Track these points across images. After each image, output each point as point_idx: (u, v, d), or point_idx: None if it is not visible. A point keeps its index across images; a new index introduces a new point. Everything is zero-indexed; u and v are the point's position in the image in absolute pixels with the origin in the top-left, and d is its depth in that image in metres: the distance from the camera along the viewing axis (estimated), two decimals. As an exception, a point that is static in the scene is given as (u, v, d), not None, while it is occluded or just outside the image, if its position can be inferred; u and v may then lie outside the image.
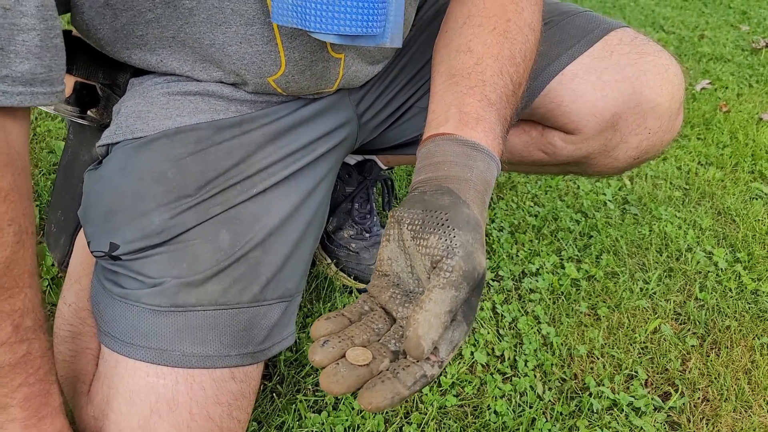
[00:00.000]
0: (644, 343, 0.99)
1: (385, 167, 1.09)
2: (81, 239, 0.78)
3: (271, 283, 0.68)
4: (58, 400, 0.58)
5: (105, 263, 0.66)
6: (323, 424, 0.77)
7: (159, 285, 0.63)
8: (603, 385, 0.90)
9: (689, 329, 1.03)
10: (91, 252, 0.67)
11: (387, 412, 0.80)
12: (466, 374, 0.88)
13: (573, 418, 0.85)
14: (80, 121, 0.76)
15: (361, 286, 1.00)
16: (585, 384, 0.90)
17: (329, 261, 1.03)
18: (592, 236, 1.22)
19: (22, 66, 0.48)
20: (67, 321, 0.71)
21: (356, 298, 0.98)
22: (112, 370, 0.63)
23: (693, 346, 0.99)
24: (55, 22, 0.51)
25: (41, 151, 1.22)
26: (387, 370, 0.43)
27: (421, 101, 0.84)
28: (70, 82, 0.74)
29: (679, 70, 0.78)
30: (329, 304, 0.96)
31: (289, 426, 0.75)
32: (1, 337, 0.52)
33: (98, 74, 0.73)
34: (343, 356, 0.44)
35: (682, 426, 0.86)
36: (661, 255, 1.19)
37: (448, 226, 0.46)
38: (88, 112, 0.76)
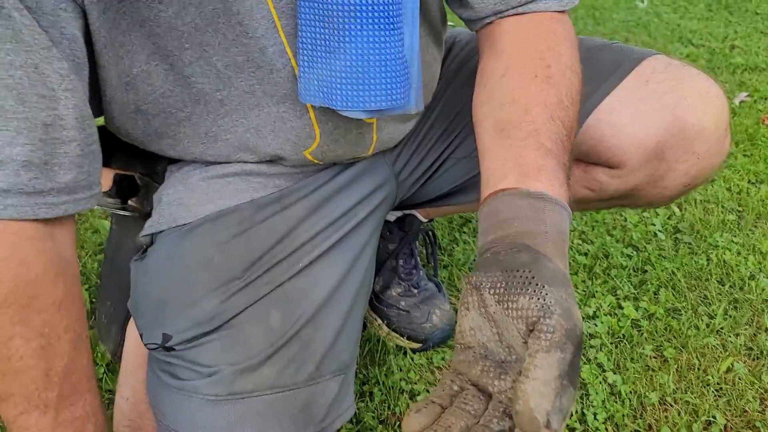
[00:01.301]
0: (718, 384, 0.94)
1: (425, 220, 1.08)
2: (132, 330, 0.78)
3: (326, 358, 0.67)
4: None
5: (159, 355, 0.66)
6: (392, 502, 0.74)
7: (215, 374, 0.62)
8: (680, 435, 0.85)
9: (764, 365, 0.97)
10: (145, 344, 0.66)
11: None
12: (534, 434, 0.84)
13: (653, 474, 0.80)
14: (122, 212, 0.76)
15: (416, 345, 0.98)
16: (661, 435, 0.85)
17: (380, 322, 1.02)
18: (646, 271, 1.17)
19: (65, 177, 0.49)
20: (126, 416, 0.70)
21: (411, 359, 0.96)
22: None
23: (771, 383, 0.94)
24: (92, 130, 0.52)
25: (85, 232, 1.24)
26: None
27: (456, 152, 0.83)
28: (109, 174, 0.75)
29: (721, 92, 0.76)
30: (384, 368, 0.93)
31: (357, 507, 0.73)
32: None
33: (136, 165, 0.73)
34: None
35: (773, 476, 0.81)
36: (723, 286, 1.14)
37: (537, 284, 0.42)
38: (129, 202, 0.77)
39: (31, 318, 0.49)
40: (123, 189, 0.76)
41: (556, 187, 0.51)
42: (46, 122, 0.47)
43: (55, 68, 0.48)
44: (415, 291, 1.04)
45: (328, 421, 0.66)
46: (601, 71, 0.76)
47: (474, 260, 1.13)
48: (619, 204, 0.87)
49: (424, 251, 1.15)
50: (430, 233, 1.10)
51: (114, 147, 0.71)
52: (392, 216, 1.08)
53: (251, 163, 0.67)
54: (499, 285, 0.44)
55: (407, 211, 1.08)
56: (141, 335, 0.66)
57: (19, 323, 0.49)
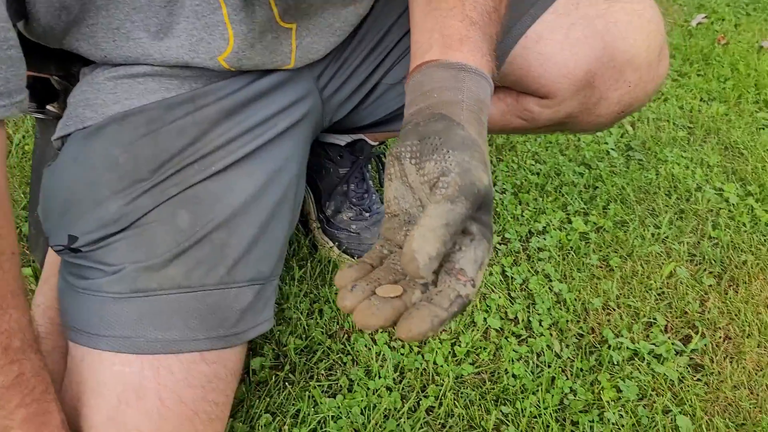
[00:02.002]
0: (660, 288, 0.96)
1: (374, 143, 1.07)
2: None
3: (239, 264, 0.66)
4: (59, 417, 0.57)
5: (66, 257, 0.65)
6: (339, 407, 0.76)
7: (118, 272, 0.62)
8: (621, 336, 0.88)
9: (705, 269, 1.00)
10: (51, 247, 0.65)
11: (402, 387, 0.79)
12: (480, 341, 0.87)
13: (594, 372, 0.83)
14: (40, 116, 0.75)
15: None
16: (603, 337, 0.88)
17: (331, 245, 1.02)
18: (597, 187, 1.19)
19: None
20: (36, 323, 0.70)
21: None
22: (79, 364, 0.62)
23: (710, 285, 0.97)
24: (8, 34, 0.49)
25: (30, 170, 1.22)
26: (420, 300, 0.42)
27: (387, 77, 0.82)
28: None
29: (655, 14, 0.72)
30: (335, 288, 0.94)
31: (304, 413, 0.75)
32: None
33: (50, 67, 0.71)
34: (374, 294, 0.43)
35: (706, 367, 0.84)
36: (670, 198, 1.16)
37: (443, 149, 0.45)
38: (48, 107, 0.74)
39: None
40: (38, 92, 0.74)
41: (477, 58, 0.53)
42: None
43: None
44: (367, 215, 1.05)
45: (242, 327, 0.66)
46: None
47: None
48: (557, 130, 0.86)
49: (377, 177, 1.15)
50: (382, 157, 1.09)
51: (27, 50, 0.69)
52: (343, 141, 1.07)
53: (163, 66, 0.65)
54: (415, 153, 0.46)
55: (357, 136, 1.07)
56: (47, 239, 0.66)
57: None
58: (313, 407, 0.76)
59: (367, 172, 1.08)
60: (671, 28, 1.87)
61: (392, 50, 0.80)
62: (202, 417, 0.62)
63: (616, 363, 0.84)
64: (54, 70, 0.71)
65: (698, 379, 0.83)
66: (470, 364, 0.83)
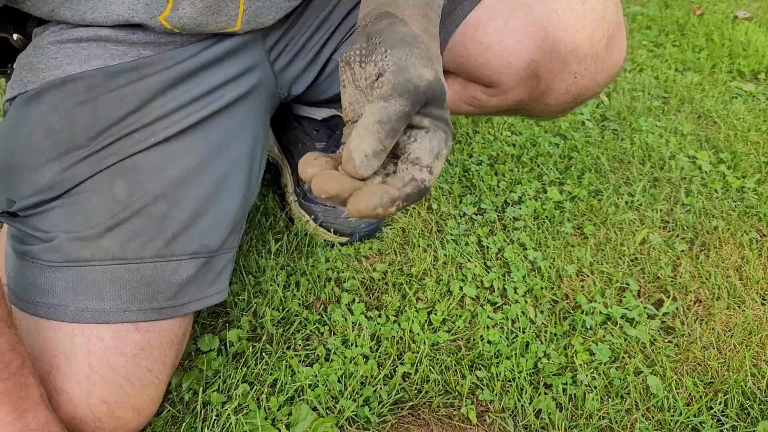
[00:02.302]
0: (633, 254, 0.98)
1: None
2: None
3: (180, 238, 0.66)
4: (38, 392, 0.57)
5: (5, 221, 0.66)
6: (316, 376, 0.76)
7: (52, 240, 0.63)
8: (595, 301, 0.90)
9: (678, 235, 1.02)
10: None
11: (379, 355, 0.80)
12: (456, 309, 0.87)
13: (567, 337, 0.84)
14: (2, 77, 0.74)
15: (342, 239, 0.99)
16: (577, 303, 0.89)
17: (308, 218, 1.02)
18: (572, 157, 1.20)
19: None
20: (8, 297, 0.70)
21: (339, 250, 0.97)
22: (18, 327, 0.63)
23: (682, 250, 0.99)
24: None
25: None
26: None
27: (338, 53, 0.80)
28: None
29: (600, 1, 0.67)
30: (312, 259, 0.95)
31: (282, 382, 0.75)
32: None
33: (8, 26, 0.70)
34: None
35: (676, 330, 0.86)
36: (644, 166, 1.17)
37: (382, 49, 0.44)
38: (11, 65, 0.73)
39: None
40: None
41: None
42: None
43: None
44: None
45: (180, 300, 0.67)
46: None
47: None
48: (512, 114, 0.83)
49: None
50: None
51: None
52: (319, 115, 1.07)
53: (108, 27, 0.64)
54: (363, 56, 0.46)
55: (332, 111, 1.06)
56: None
57: None
58: (291, 376, 0.77)
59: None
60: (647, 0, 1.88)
61: (342, 22, 0.79)
62: (135, 383, 0.63)
63: (589, 327, 0.86)
64: (12, 29, 0.70)
65: (669, 341, 0.84)
66: (446, 331, 0.84)
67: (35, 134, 0.64)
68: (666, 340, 0.85)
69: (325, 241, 1.00)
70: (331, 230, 1.00)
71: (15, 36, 0.69)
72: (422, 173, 0.42)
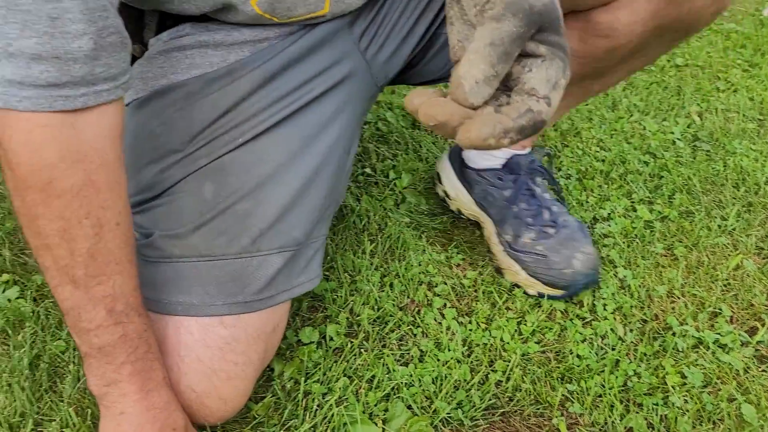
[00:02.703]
0: (726, 279, 0.97)
1: (524, 152, 1.01)
2: None
3: (267, 234, 0.69)
4: (162, 374, 0.62)
5: None
6: (411, 375, 0.80)
7: (149, 237, 0.69)
8: (686, 324, 0.89)
9: (773, 263, 1.00)
10: None
11: (471, 361, 0.82)
12: (545, 321, 0.89)
13: (658, 357, 0.85)
14: None
15: (558, 292, 0.91)
16: (667, 324, 0.90)
17: (517, 268, 0.95)
18: (662, 177, 1.19)
19: (81, 71, 0.50)
20: None
21: (430, 255, 1.00)
22: None
23: (778, 279, 0.97)
24: (107, 22, 0.51)
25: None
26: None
27: (441, 27, 0.79)
28: None
29: None
30: (404, 262, 0.98)
31: (379, 379, 0.79)
32: (97, 319, 0.57)
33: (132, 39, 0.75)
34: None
35: (772, 359, 0.85)
36: (738, 190, 1.16)
37: None
38: None
39: (50, 201, 0.52)
40: None
41: None
42: (51, 15, 0.48)
43: None
44: (552, 231, 0.95)
45: (270, 292, 0.69)
46: None
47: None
48: (653, 45, 0.80)
49: (552, 190, 1.05)
50: (542, 168, 1.02)
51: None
52: (496, 162, 1.02)
53: (206, 32, 0.68)
54: None
55: (508, 153, 1.01)
56: None
57: (41, 205, 0.52)
58: (387, 374, 0.80)
59: (537, 187, 1.01)
60: (742, 17, 1.83)
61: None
62: (221, 374, 0.67)
63: (680, 350, 0.86)
64: (133, 42, 0.76)
65: (763, 370, 0.84)
66: (536, 342, 0.86)
67: (139, 138, 0.70)
68: (760, 369, 0.84)
69: (539, 293, 0.93)
70: (544, 282, 0.93)
71: (134, 45, 0.75)
72: (539, 104, 0.40)
